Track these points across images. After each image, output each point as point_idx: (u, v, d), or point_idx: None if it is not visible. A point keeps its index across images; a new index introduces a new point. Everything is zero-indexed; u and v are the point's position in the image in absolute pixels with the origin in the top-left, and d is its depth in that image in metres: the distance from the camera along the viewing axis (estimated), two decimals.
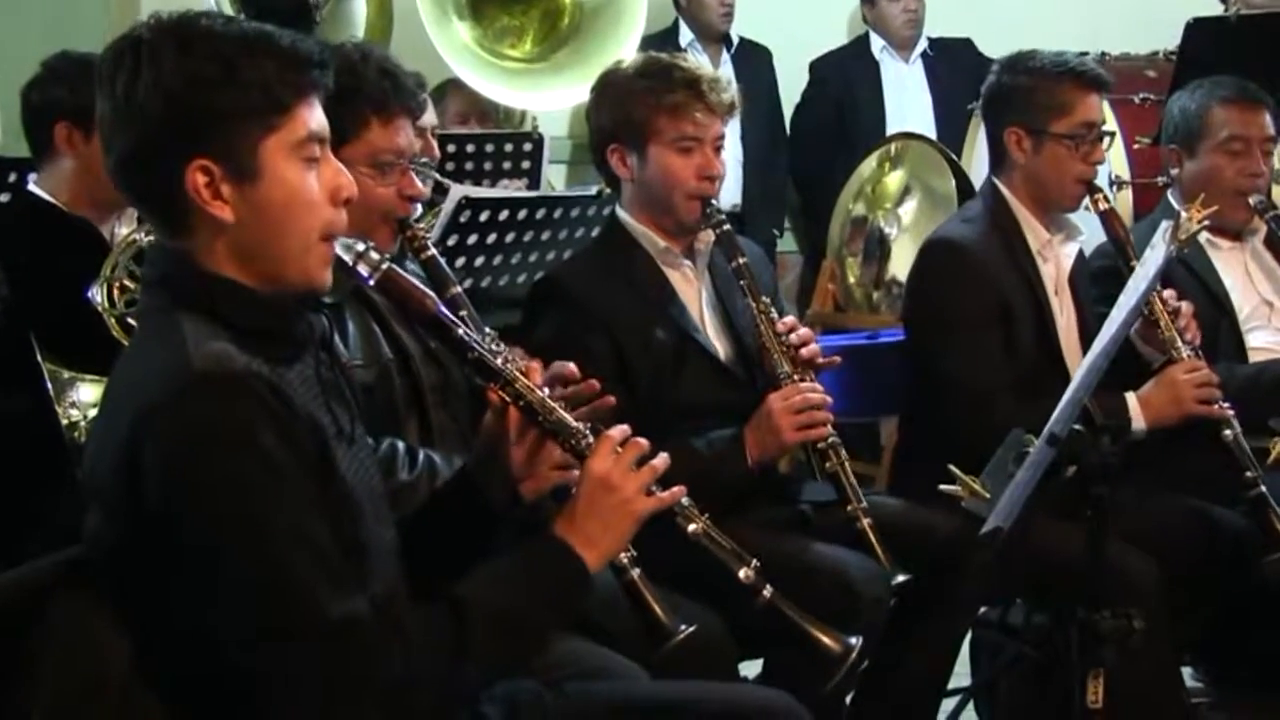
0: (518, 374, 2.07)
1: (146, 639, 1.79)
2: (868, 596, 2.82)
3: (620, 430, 2.05)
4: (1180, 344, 3.22)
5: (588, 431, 2.07)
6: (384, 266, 2.05)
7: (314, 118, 1.88)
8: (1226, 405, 3.21)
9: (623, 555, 2.14)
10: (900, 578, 2.91)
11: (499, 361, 2.07)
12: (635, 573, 2.17)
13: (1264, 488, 3.14)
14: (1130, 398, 3.20)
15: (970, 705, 3.80)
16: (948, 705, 3.77)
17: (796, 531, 3.04)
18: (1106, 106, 4.89)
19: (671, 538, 2.18)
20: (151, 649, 1.79)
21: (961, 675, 3.70)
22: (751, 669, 3.02)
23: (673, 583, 2.41)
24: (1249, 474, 3.16)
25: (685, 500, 2.16)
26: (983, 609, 3.57)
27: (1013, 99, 3.39)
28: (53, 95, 3.27)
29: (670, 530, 2.18)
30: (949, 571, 2.94)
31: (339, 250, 1.97)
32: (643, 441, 2.04)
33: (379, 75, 2.62)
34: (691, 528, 2.18)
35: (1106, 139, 3.39)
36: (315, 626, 1.72)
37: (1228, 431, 3.19)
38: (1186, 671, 3.79)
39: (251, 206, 1.84)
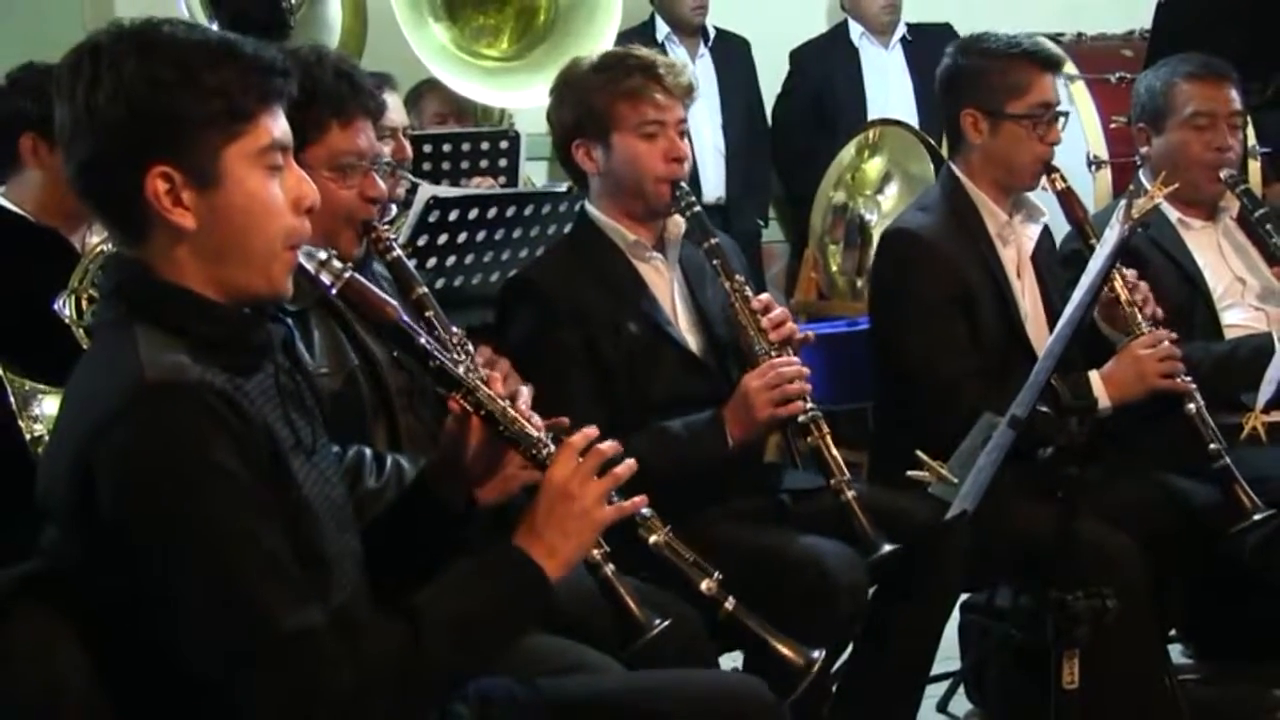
0: (479, 383, 2.07)
1: (105, 651, 1.78)
2: (845, 584, 2.81)
3: (583, 436, 2.03)
4: (1140, 319, 3.21)
5: (549, 441, 2.07)
6: (346, 275, 2.05)
7: (277, 126, 1.87)
8: (1189, 379, 3.20)
9: (596, 551, 2.14)
10: (886, 548, 2.88)
11: (460, 370, 2.07)
12: (609, 569, 2.17)
13: (1228, 460, 3.13)
14: (1094, 375, 3.19)
15: (961, 689, 3.81)
16: (938, 689, 3.79)
17: (773, 522, 3.04)
18: (1083, 86, 4.92)
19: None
20: (110, 661, 1.78)
21: (951, 659, 3.70)
22: (735, 661, 3.02)
23: (651, 574, 2.42)
24: (1213, 446, 3.15)
25: (646, 511, 2.16)
26: (971, 593, 3.58)
27: (968, 81, 3.38)
28: (17, 107, 3.26)
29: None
30: (926, 556, 2.93)
31: (301, 259, 1.96)
32: (605, 448, 2.02)
33: (335, 78, 2.60)
34: (653, 539, 2.19)
35: (1061, 119, 3.36)
36: (268, 637, 1.71)
37: (1191, 405, 3.18)
38: (1176, 649, 3.80)
39: (213, 214, 1.83)
